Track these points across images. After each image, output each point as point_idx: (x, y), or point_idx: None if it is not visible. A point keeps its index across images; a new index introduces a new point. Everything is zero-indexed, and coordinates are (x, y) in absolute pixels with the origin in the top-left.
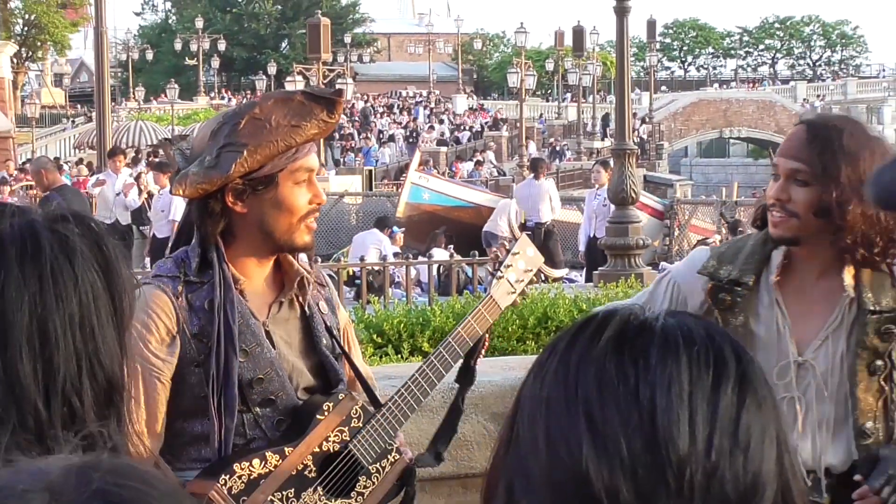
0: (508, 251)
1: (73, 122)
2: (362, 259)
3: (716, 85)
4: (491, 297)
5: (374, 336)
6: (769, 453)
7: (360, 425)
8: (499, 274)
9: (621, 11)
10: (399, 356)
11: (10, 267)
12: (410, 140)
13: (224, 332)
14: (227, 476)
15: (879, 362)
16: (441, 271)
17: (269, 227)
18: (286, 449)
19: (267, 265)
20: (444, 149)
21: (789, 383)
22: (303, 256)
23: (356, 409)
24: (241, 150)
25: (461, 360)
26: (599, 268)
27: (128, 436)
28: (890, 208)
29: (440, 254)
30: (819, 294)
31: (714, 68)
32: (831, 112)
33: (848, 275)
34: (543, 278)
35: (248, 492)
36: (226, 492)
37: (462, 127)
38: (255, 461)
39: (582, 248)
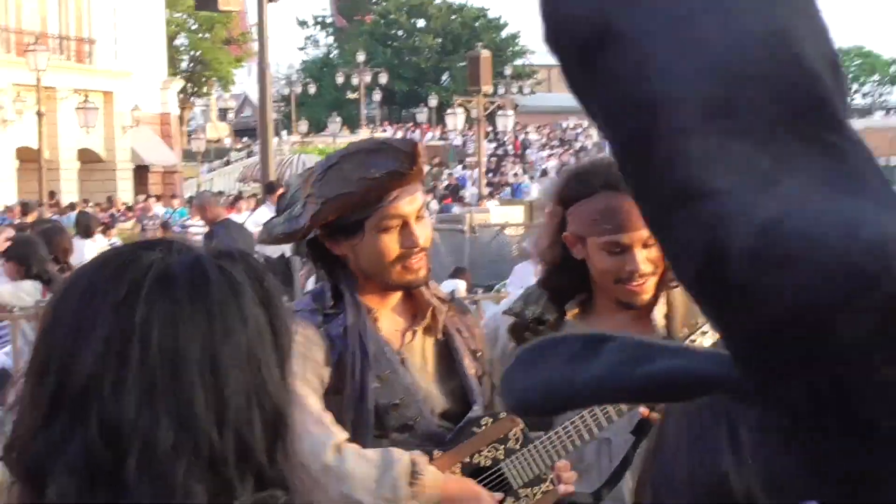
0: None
1: (247, 153)
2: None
3: (882, 112)
4: None
5: None
6: None
7: (518, 447)
8: (692, 338)
9: None
10: None
11: (181, 302)
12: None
13: (360, 356)
14: None
15: None
16: None
17: (366, 270)
18: (435, 452)
19: (391, 296)
20: None
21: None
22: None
23: (516, 431)
24: (318, 202)
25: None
26: None
27: (294, 468)
28: (530, 413)
29: None
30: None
31: (880, 96)
32: (587, 163)
33: (659, 313)
34: None
35: None
36: None
37: None
38: None
39: None
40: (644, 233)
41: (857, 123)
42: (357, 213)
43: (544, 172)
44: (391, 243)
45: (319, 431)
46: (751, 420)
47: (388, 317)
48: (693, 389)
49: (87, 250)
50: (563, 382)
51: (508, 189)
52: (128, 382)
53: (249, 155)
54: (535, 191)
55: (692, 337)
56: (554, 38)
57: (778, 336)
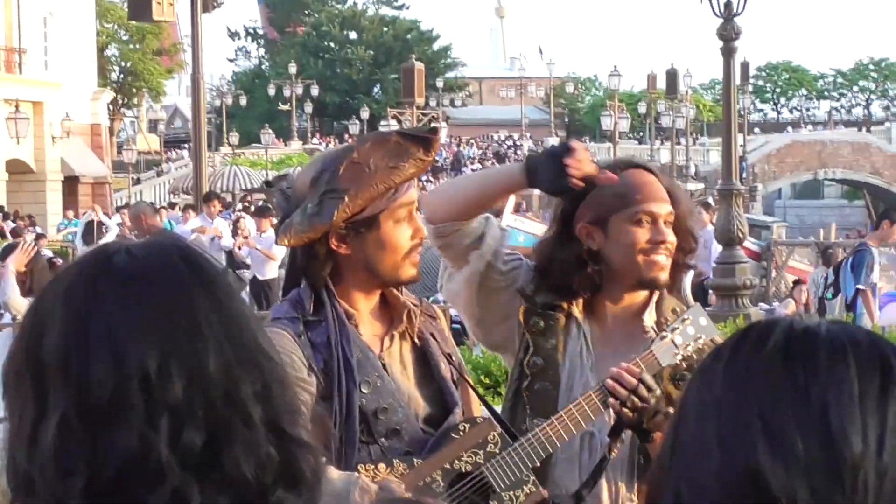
0: (678, 316)
1: (171, 165)
2: None
3: (809, 126)
4: (651, 351)
5: (482, 377)
6: None
7: (497, 451)
8: (663, 334)
9: (728, 52)
10: None
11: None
12: None
13: (343, 366)
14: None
15: None
16: None
17: (375, 266)
18: (415, 460)
19: (373, 299)
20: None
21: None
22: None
23: (494, 436)
24: (343, 196)
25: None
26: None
27: None
28: None
29: None
30: (623, 335)
31: (807, 110)
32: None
33: (650, 319)
34: None
35: None
36: None
37: None
38: (381, 465)
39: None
40: (668, 207)
41: (784, 137)
42: (373, 206)
43: None
44: (405, 234)
45: None
46: None
47: (367, 321)
48: None
49: None
50: None
51: None
52: None
53: (161, 171)
54: None
55: (663, 334)
56: None
57: None
